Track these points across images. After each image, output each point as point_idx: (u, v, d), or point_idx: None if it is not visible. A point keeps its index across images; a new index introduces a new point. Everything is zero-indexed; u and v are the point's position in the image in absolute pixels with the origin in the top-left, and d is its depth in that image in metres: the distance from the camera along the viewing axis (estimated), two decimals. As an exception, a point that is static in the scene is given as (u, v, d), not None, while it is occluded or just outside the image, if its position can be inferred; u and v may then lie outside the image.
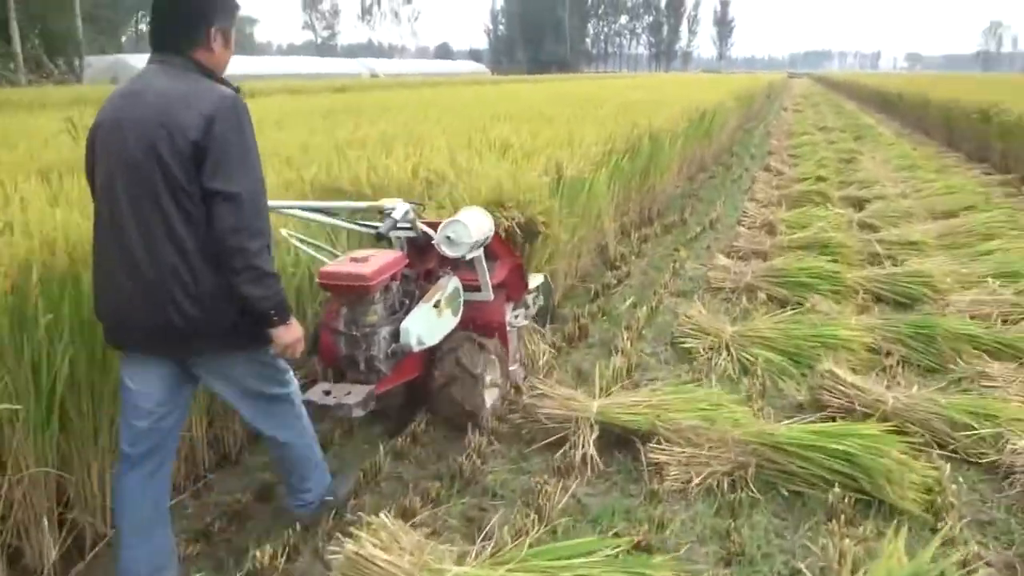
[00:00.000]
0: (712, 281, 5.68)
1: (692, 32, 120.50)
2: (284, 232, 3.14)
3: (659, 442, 3.13)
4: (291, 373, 2.53)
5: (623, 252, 6.61)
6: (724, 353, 4.29)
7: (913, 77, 45.45)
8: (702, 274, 5.97)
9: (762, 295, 5.35)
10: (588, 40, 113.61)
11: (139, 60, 28.32)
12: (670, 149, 8.71)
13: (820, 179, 9.96)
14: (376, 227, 3.11)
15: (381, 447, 3.26)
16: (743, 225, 7.66)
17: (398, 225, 3.07)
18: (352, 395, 2.95)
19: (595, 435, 3.20)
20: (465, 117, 8.22)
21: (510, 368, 3.75)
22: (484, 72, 67.51)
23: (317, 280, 3.04)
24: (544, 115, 8.50)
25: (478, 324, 3.53)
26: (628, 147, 7.12)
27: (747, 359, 4.19)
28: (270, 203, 2.41)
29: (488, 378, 3.45)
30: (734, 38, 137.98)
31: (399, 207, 3.08)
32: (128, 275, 2.12)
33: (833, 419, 3.35)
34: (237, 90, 2.21)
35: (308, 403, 2.81)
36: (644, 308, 5.12)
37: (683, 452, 3.06)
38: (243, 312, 2.17)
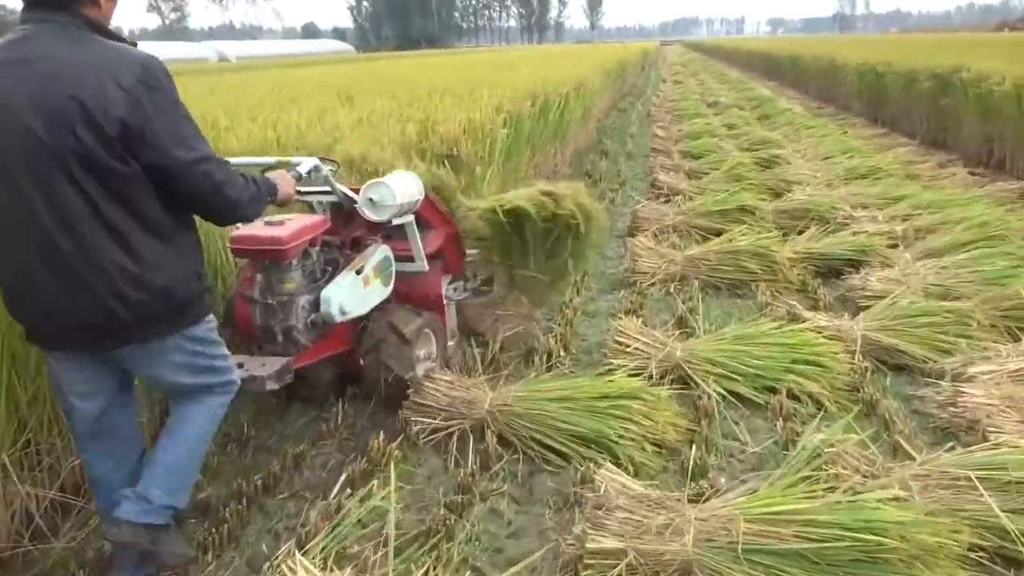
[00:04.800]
0: None
1: (562, 3, 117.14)
2: None
3: None
4: (228, 362, 2.25)
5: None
6: None
7: (777, 40, 43.11)
8: None
9: None
10: (457, 14, 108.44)
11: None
12: (475, 185, 4.25)
13: (745, 211, 5.78)
14: None
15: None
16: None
17: (303, 176, 2.64)
18: (266, 367, 2.69)
19: None
20: None
21: (448, 343, 3.44)
22: (348, 51, 62.64)
23: (228, 245, 2.83)
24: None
25: (412, 297, 3.28)
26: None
27: None
28: None
29: (423, 350, 3.22)
30: (604, 8, 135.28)
31: (305, 162, 2.69)
32: (50, 271, 1.85)
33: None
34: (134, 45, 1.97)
35: None
36: None
37: None
38: (187, 291, 2.00)
